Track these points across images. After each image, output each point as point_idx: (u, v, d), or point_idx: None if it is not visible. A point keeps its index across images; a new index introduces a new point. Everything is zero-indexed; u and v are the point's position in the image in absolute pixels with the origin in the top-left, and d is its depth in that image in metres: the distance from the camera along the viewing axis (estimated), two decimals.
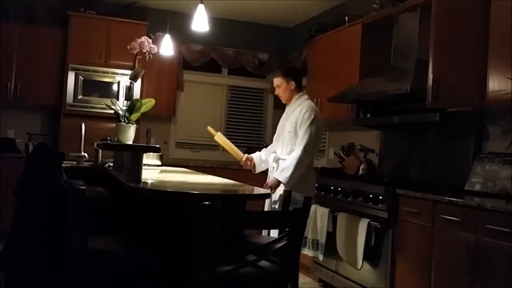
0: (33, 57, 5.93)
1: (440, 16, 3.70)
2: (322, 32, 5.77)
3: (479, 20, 3.52)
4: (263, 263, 2.50)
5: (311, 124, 3.74)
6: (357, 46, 4.93)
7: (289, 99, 3.98)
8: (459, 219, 3.11)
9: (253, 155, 4.17)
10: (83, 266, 2.48)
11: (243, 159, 4.08)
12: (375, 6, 4.77)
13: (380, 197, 3.79)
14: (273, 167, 3.98)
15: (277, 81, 3.96)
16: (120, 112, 3.39)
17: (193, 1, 4.56)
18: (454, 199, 3.17)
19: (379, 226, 3.77)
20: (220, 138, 4.05)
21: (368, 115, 4.84)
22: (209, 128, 4.04)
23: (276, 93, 4.05)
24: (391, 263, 3.66)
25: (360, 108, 4.91)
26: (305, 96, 3.99)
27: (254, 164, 4.11)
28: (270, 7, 6.40)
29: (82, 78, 6.08)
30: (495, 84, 3.37)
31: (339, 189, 4.31)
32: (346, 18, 5.26)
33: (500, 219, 2.83)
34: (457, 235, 3.12)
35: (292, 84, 3.91)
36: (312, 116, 3.79)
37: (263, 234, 3.61)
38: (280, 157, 3.94)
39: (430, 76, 3.64)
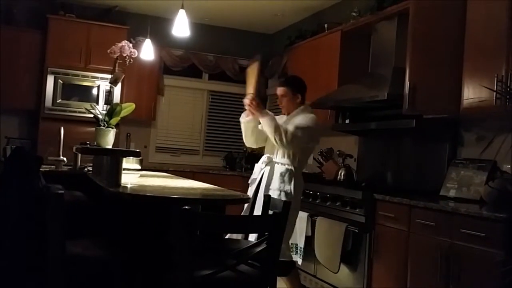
0: (11, 60, 5.85)
1: (417, 25, 3.78)
2: (302, 39, 5.83)
3: (455, 30, 3.61)
4: (242, 267, 2.52)
5: (306, 129, 3.56)
6: (336, 53, 5.00)
7: (291, 111, 3.77)
8: (434, 224, 3.18)
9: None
10: (60, 271, 2.47)
11: (250, 97, 3.70)
12: (354, 14, 4.85)
13: (358, 202, 3.85)
14: (262, 169, 3.77)
15: (282, 90, 3.76)
16: (100, 116, 3.39)
17: (174, 6, 4.58)
18: (430, 204, 3.24)
19: (356, 230, 3.82)
20: (253, 69, 3.83)
21: (347, 121, 4.91)
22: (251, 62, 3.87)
23: (278, 102, 3.84)
24: (368, 266, 3.71)
25: (339, 114, 4.98)
26: (309, 110, 3.77)
27: (257, 105, 3.67)
28: (251, 14, 6.44)
29: (62, 82, 6.04)
30: (469, 91, 3.45)
31: (318, 194, 4.36)
32: (326, 26, 5.33)
33: (474, 223, 2.90)
34: (432, 239, 3.19)
35: (298, 97, 3.73)
36: (312, 124, 3.60)
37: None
38: (275, 160, 3.71)
39: (407, 83, 3.71)
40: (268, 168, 3.73)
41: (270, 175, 3.69)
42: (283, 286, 3.63)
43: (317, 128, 3.71)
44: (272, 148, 3.75)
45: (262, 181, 3.71)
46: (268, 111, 3.70)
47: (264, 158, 3.80)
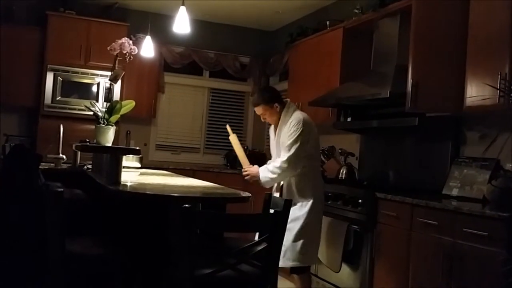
0: (10, 57, 5.81)
1: (419, 22, 3.74)
2: (304, 36, 5.80)
3: (458, 27, 3.58)
4: (243, 266, 2.50)
5: (297, 138, 3.57)
6: (338, 50, 4.97)
7: (277, 121, 3.77)
8: (436, 223, 3.15)
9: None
10: (60, 268, 2.45)
11: (247, 168, 3.89)
12: (356, 11, 4.81)
13: (360, 201, 3.82)
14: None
15: (260, 109, 3.77)
16: (100, 114, 3.36)
17: (174, 2, 4.55)
18: (432, 203, 3.21)
19: (358, 229, 3.80)
20: (234, 139, 3.95)
21: (349, 119, 4.88)
22: (228, 127, 4.00)
23: (263, 119, 3.85)
24: (370, 265, 3.69)
25: (340, 112, 4.95)
26: (292, 109, 3.75)
27: (251, 177, 3.85)
28: (252, 10, 6.42)
29: (61, 79, 6.01)
30: (472, 90, 3.42)
31: None
32: (328, 23, 5.30)
33: (477, 222, 2.88)
34: (435, 238, 3.16)
35: (276, 106, 3.72)
36: (300, 129, 3.59)
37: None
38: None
39: (409, 81, 3.68)
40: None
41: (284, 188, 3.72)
42: (286, 286, 3.62)
43: (304, 126, 3.61)
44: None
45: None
46: (259, 172, 3.72)
47: None
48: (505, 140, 3.18)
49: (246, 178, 3.87)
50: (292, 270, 3.71)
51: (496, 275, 2.65)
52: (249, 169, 3.84)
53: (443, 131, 3.98)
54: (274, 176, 3.65)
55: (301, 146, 3.57)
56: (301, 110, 4.89)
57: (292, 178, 3.66)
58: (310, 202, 3.60)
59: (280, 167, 3.60)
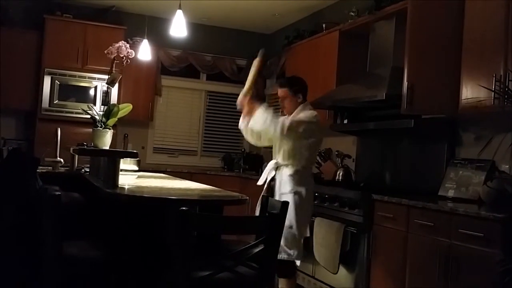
0: (7, 60, 5.81)
1: (415, 25, 3.77)
2: (300, 39, 5.82)
3: (453, 29, 3.60)
4: (240, 268, 2.51)
5: (311, 125, 3.55)
6: (334, 53, 4.99)
7: (292, 112, 3.71)
8: (432, 224, 3.17)
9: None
10: (56, 272, 2.46)
11: (244, 96, 3.69)
12: (352, 14, 4.84)
13: (356, 202, 3.84)
14: (269, 174, 3.75)
15: (283, 92, 3.72)
16: (97, 117, 3.38)
17: (171, 6, 4.57)
18: (428, 204, 3.23)
19: (355, 231, 3.81)
20: (257, 62, 3.82)
21: (345, 121, 4.90)
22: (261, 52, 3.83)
23: (280, 103, 3.80)
24: (367, 267, 3.70)
25: (337, 114, 4.97)
26: (308, 107, 3.73)
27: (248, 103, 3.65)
28: (249, 13, 6.43)
29: (59, 83, 6.02)
30: (467, 91, 3.45)
31: (316, 194, 4.33)
32: (324, 26, 5.33)
33: (472, 223, 2.90)
34: (431, 239, 3.18)
35: (299, 97, 3.70)
36: (308, 119, 3.57)
37: None
38: (282, 163, 3.66)
39: (405, 83, 3.70)
40: (277, 173, 3.69)
41: (280, 180, 3.66)
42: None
43: (318, 123, 3.66)
44: (279, 152, 3.70)
45: (276, 187, 3.68)
46: (262, 106, 3.62)
47: (271, 164, 3.76)
48: (500, 141, 3.19)
49: (237, 103, 3.71)
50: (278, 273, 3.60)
51: (492, 276, 2.66)
52: (245, 102, 3.65)
53: (439, 133, 4.00)
54: (266, 123, 3.48)
55: (301, 129, 3.52)
56: None
57: (286, 174, 3.60)
58: (297, 198, 3.53)
59: (275, 124, 3.44)
